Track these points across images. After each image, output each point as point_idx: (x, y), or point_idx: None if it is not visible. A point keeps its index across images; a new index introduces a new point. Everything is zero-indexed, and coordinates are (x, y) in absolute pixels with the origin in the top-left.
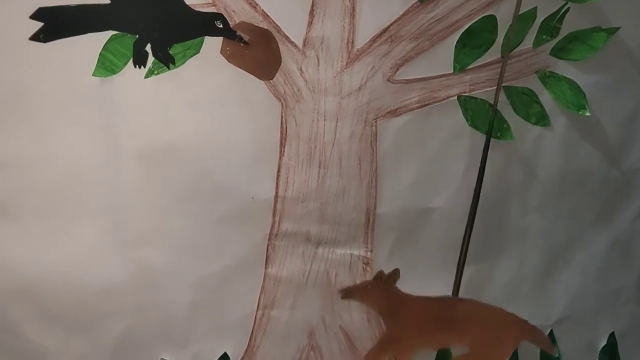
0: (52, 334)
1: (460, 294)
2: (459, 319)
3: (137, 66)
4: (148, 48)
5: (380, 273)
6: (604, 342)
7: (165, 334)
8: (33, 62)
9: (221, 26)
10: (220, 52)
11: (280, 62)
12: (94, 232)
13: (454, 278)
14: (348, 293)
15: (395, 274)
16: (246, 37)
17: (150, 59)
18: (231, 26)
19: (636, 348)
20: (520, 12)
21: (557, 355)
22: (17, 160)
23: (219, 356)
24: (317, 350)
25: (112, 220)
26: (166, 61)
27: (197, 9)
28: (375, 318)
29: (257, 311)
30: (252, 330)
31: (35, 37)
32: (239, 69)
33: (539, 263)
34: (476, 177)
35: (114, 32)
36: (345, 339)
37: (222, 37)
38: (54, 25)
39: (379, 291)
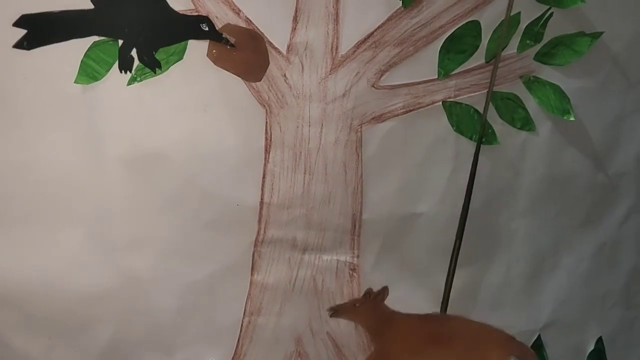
0: (37, 342)
1: (450, 299)
2: (447, 336)
3: (122, 71)
4: (133, 53)
5: (369, 290)
6: (591, 347)
7: (152, 341)
8: (15, 69)
9: (207, 29)
10: (207, 55)
11: (268, 63)
12: (80, 239)
13: (440, 283)
14: (337, 312)
15: (384, 291)
16: (232, 40)
17: (134, 65)
18: (217, 29)
19: (624, 352)
20: (503, 17)
21: None
22: (2, 168)
23: None
24: (305, 357)
25: (97, 227)
26: (152, 66)
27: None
28: None
29: (243, 318)
30: (239, 337)
31: (19, 45)
32: (223, 75)
33: (527, 267)
34: (462, 182)
35: (95, 39)
36: (332, 345)
37: (208, 40)
38: (37, 33)
39: (368, 309)
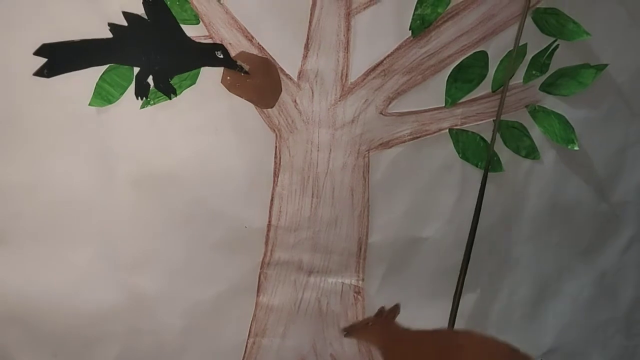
0: (44, 359)
1: (455, 323)
2: (455, 350)
3: (138, 97)
4: (149, 79)
5: (382, 309)
6: None
7: (157, 359)
8: (31, 91)
9: (222, 56)
10: (221, 82)
11: (281, 90)
12: (88, 258)
13: (445, 307)
14: (350, 332)
15: (396, 309)
16: (246, 67)
17: (149, 91)
18: (231, 56)
19: None
20: (510, 49)
21: None
22: (14, 187)
23: None
24: None
25: (106, 246)
26: (168, 92)
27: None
28: (365, 346)
29: (248, 339)
30: (243, 358)
31: (39, 73)
32: (234, 99)
33: (529, 293)
34: (467, 208)
35: (111, 64)
36: None
37: (222, 67)
38: (57, 61)
39: (380, 327)
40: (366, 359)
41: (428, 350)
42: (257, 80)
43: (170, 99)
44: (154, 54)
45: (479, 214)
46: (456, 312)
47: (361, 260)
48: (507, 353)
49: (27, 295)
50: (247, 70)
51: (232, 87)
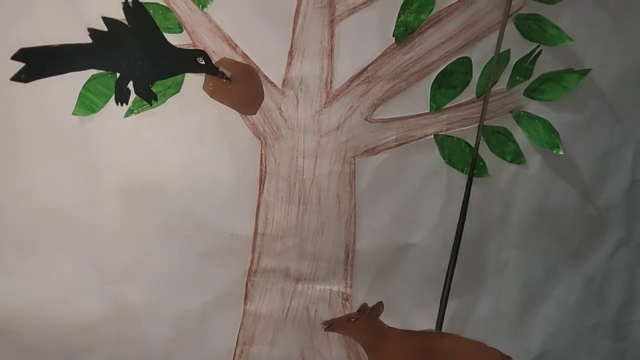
0: None
1: (442, 329)
2: (441, 353)
3: (119, 103)
4: (130, 86)
5: (364, 306)
6: None
7: None
8: (13, 100)
9: (203, 63)
10: (203, 88)
11: (263, 97)
12: (74, 269)
13: (432, 313)
14: (332, 325)
15: (379, 307)
16: (228, 73)
17: (130, 97)
18: (213, 62)
19: None
20: (492, 55)
21: None
22: None
23: None
24: None
25: (91, 257)
26: (148, 98)
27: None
28: (355, 354)
29: (236, 347)
30: None
31: (17, 78)
32: (219, 107)
33: (517, 298)
34: (453, 213)
35: (94, 72)
36: None
37: (204, 74)
38: (35, 66)
39: (363, 324)
40: None
41: (413, 350)
42: (240, 87)
43: (151, 105)
44: (134, 60)
45: (464, 219)
46: (443, 317)
47: (348, 267)
48: (497, 358)
49: (13, 306)
50: (229, 76)
51: (214, 93)
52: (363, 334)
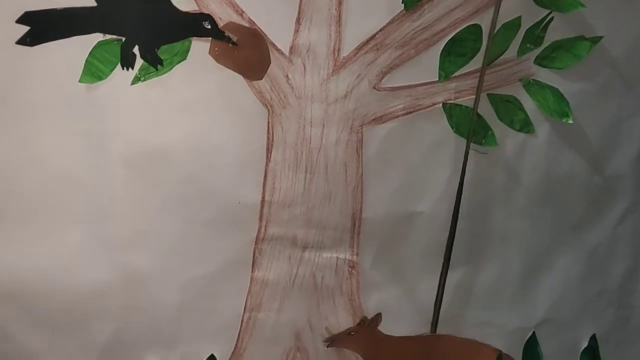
0: (39, 337)
1: (444, 298)
2: (437, 354)
3: (124, 68)
4: (136, 50)
5: (364, 319)
6: (585, 344)
7: (153, 336)
8: (19, 67)
9: (209, 27)
10: (209, 53)
11: (270, 62)
12: (81, 236)
13: (438, 281)
14: (333, 341)
15: (377, 318)
16: (234, 38)
17: (137, 65)
18: (219, 27)
19: (617, 350)
20: (504, 21)
21: None
22: (4, 166)
23: (206, 358)
24: (304, 352)
25: (99, 224)
26: (154, 63)
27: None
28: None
29: (244, 314)
30: (239, 333)
31: (22, 41)
32: (226, 75)
33: (522, 267)
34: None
35: (100, 38)
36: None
37: (210, 39)
38: (40, 29)
39: (363, 336)
40: None
41: (412, 355)
42: (246, 51)
43: (157, 70)
44: (139, 24)
45: (462, 187)
46: (443, 287)
47: (355, 235)
48: (490, 353)
49: (21, 275)
50: (235, 41)
51: (220, 58)
52: (363, 345)
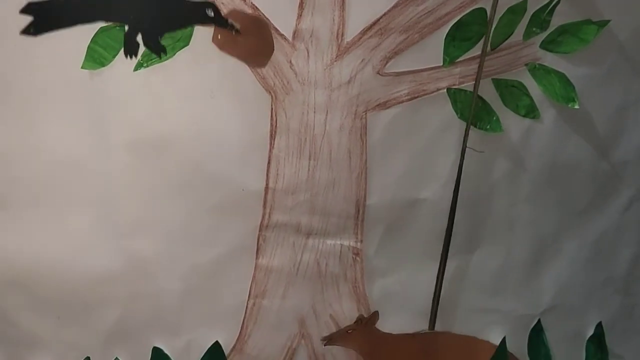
0: (45, 323)
1: (448, 285)
2: (436, 351)
3: (128, 56)
4: (139, 39)
5: (361, 317)
6: (591, 332)
7: (158, 322)
8: (23, 55)
9: (212, 14)
10: (212, 41)
11: (273, 49)
12: (86, 223)
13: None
14: (331, 339)
15: (374, 316)
16: (238, 25)
17: (140, 51)
18: (222, 14)
19: (623, 338)
20: (510, 5)
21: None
22: (9, 152)
23: (210, 344)
24: (308, 338)
25: (103, 211)
26: (157, 51)
27: None
28: (364, 307)
29: (248, 300)
30: (244, 319)
31: (26, 31)
32: (229, 61)
33: (528, 253)
34: (465, 168)
35: (102, 25)
36: (335, 328)
37: (213, 26)
38: (44, 19)
39: (360, 334)
40: None
41: (410, 353)
42: (249, 39)
43: (160, 58)
44: (142, 12)
45: (461, 172)
46: (443, 274)
47: (359, 222)
48: (489, 348)
49: (28, 260)
50: (238, 28)
51: (223, 46)
52: (361, 343)
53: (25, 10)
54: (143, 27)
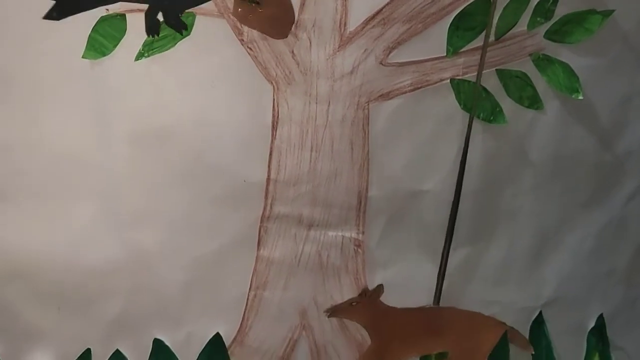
0: (47, 315)
1: (450, 277)
2: (440, 326)
3: (150, 35)
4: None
5: (365, 289)
6: (592, 324)
7: (160, 313)
8: (23, 46)
9: None
10: (232, 14)
11: (294, 19)
12: (88, 214)
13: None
14: (334, 311)
15: (379, 289)
16: None
17: (140, 41)
18: None
19: (625, 330)
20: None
21: (533, 353)
22: (11, 144)
23: (212, 336)
24: (309, 330)
25: (105, 203)
26: (179, 28)
27: None
28: None
29: (249, 292)
30: (245, 311)
31: (49, 16)
32: (231, 51)
33: (530, 244)
34: (469, 160)
35: (103, 14)
36: (336, 319)
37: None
38: (65, 2)
39: (364, 307)
40: None
41: (413, 326)
42: (269, 9)
43: (182, 35)
44: None
45: (465, 164)
46: (445, 265)
47: (361, 213)
48: (494, 325)
49: (28, 252)
50: (258, 0)
51: (243, 19)
52: (365, 316)
53: None
54: (164, 5)
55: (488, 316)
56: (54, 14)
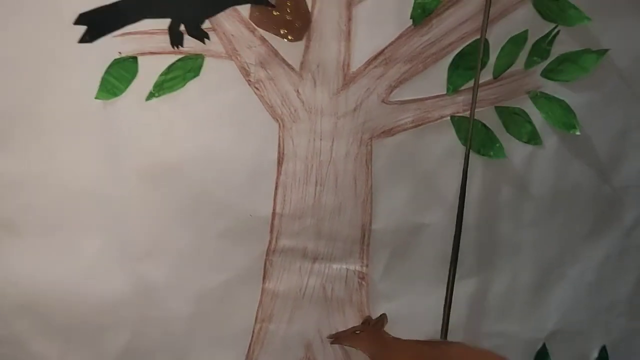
0: (54, 347)
1: (453, 309)
2: None
3: (174, 46)
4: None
5: (368, 318)
6: (595, 355)
7: (166, 346)
8: (38, 85)
9: None
10: (249, 18)
11: (309, 22)
12: (97, 248)
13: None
14: (338, 338)
15: (383, 318)
16: (273, 0)
17: (150, 82)
18: None
19: None
20: (511, 35)
21: None
22: (23, 179)
23: None
24: None
25: (114, 237)
26: (201, 37)
27: None
28: None
29: (255, 325)
30: (250, 344)
31: (83, 40)
32: (238, 90)
33: (532, 277)
34: (469, 194)
35: (116, 57)
36: (341, 352)
37: (249, 6)
38: (96, 26)
39: (368, 335)
40: None
41: (419, 359)
42: (285, 13)
43: (204, 43)
44: (182, 3)
45: (464, 198)
46: (451, 298)
47: (365, 246)
48: None
49: (38, 285)
50: (273, 3)
51: (260, 23)
52: (368, 345)
53: (78, 21)
54: (185, 18)
55: (496, 354)
56: (87, 38)
